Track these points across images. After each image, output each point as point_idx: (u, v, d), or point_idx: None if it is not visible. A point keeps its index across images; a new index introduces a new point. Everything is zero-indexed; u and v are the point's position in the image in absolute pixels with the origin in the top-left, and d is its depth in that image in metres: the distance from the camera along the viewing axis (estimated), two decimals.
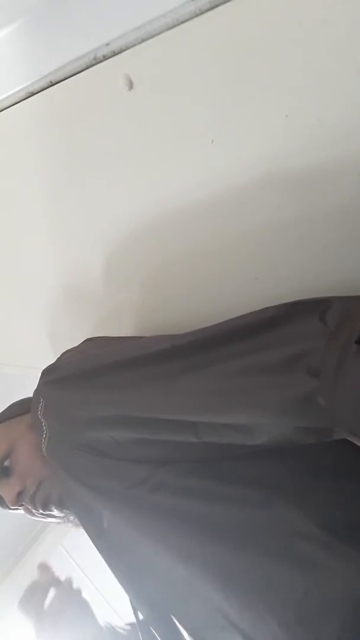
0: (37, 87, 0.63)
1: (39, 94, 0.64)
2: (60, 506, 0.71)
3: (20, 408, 0.78)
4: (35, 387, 0.70)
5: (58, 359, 0.73)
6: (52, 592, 0.84)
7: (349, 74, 0.45)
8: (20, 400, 0.82)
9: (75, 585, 0.92)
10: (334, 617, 0.47)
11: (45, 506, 0.71)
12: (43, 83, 0.62)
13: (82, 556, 2.20)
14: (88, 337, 0.76)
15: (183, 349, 0.57)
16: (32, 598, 0.95)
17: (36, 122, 0.67)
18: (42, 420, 0.66)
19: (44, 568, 0.92)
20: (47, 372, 0.70)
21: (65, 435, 0.64)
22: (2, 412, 0.81)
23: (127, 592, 0.61)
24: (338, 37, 0.44)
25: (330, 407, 0.44)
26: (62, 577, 0.94)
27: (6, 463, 0.72)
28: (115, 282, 0.79)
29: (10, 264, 0.91)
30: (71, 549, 2.16)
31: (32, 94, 0.65)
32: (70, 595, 0.88)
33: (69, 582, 0.92)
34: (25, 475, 0.71)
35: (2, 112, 0.69)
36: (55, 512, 0.71)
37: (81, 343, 0.76)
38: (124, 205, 0.68)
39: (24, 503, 0.72)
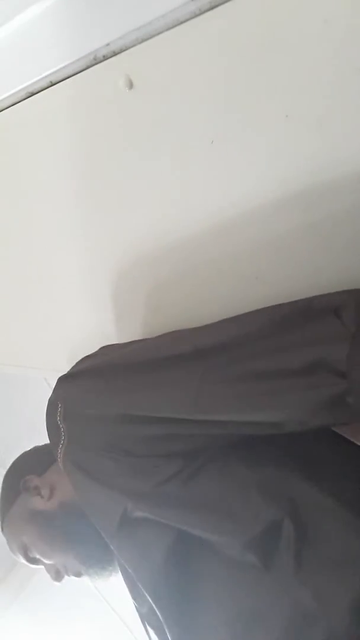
0: (37, 87, 0.63)
1: (39, 94, 0.64)
2: (90, 571, 0.75)
3: (8, 497, 0.80)
4: (50, 394, 0.69)
5: (74, 365, 0.74)
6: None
7: (350, 74, 0.45)
8: (2, 486, 0.83)
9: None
10: None
11: (79, 574, 0.76)
12: (43, 83, 0.62)
13: None
14: (103, 345, 0.76)
15: (205, 352, 0.57)
16: None
17: (36, 122, 0.67)
18: (61, 425, 0.66)
19: None
20: (64, 378, 0.70)
21: (86, 438, 0.64)
22: (3, 500, 0.81)
23: (144, 586, 0.61)
24: (338, 37, 0.44)
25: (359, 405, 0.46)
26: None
27: (30, 555, 0.77)
28: (116, 283, 0.79)
29: (10, 263, 0.91)
30: None
31: (32, 94, 0.65)
32: None
33: None
34: (47, 559, 0.76)
35: (2, 112, 0.69)
36: (93, 574, 0.75)
37: (97, 350, 0.77)
38: (124, 205, 0.68)
39: (67, 574, 0.77)
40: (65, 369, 0.93)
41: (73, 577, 0.77)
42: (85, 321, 0.90)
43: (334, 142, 0.49)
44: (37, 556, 0.76)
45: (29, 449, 0.86)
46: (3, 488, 0.82)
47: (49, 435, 0.68)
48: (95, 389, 0.65)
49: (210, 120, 0.54)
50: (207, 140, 0.56)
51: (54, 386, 0.70)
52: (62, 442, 0.66)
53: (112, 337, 0.87)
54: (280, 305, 0.56)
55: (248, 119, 0.52)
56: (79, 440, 0.64)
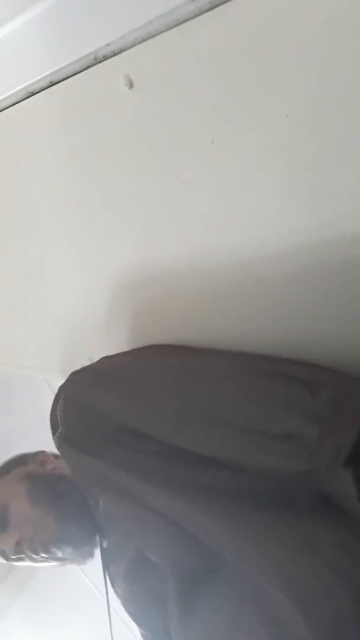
0: (37, 87, 0.63)
1: (39, 94, 0.64)
2: (61, 545, 0.74)
3: (12, 464, 0.84)
4: (59, 387, 0.73)
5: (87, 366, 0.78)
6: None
7: (350, 74, 0.45)
8: (12, 457, 0.87)
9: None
10: None
11: (46, 548, 0.74)
12: (43, 83, 0.62)
13: None
14: (105, 355, 0.80)
15: (194, 381, 0.63)
16: None
17: (36, 122, 0.67)
18: (60, 417, 0.70)
19: None
20: (72, 374, 0.74)
21: (81, 433, 0.68)
22: (4, 465, 0.85)
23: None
24: (338, 37, 0.44)
25: (322, 482, 0.54)
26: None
27: (2, 515, 0.76)
28: (116, 284, 0.79)
29: (10, 264, 0.91)
30: None
31: (32, 94, 0.65)
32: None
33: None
34: (20, 523, 0.75)
35: (2, 112, 0.69)
36: (57, 553, 0.75)
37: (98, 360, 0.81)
38: (124, 205, 0.68)
39: (24, 550, 0.75)
40: (65, 369, 0.93)
41: (30, 561, 0.76)
42: (85, 321, 0.90)
43: (334, 142, 0.49)
44: (9, 516, 0.76)
45: None
46: (10, 459, 0.86)
47: (50, 424, 0.71)
48: (95, 386, 0.68)
49: (210, 120, 0.54)
50: (207, 140, 0.56)
51: (56, 386, 0.73)
52: (59, 430, 0.69)
53: (113, 336, 0.87)
54: (254, 365, 0.63)
55: (248, 119, 0.52)
56: (74, 434, 0.68)
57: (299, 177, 0.53)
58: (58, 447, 0.69)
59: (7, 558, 0.78)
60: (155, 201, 0.65)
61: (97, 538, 0.76)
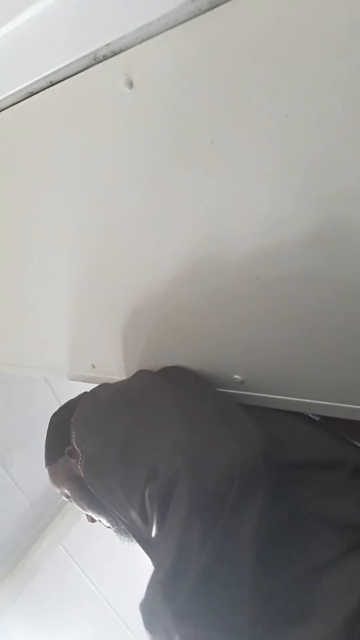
0: (37, 87, 0.63)
1: (39, 94, 0.64)
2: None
3: (58, 446, 0.90)
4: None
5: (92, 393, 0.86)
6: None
7: (350, 74, 0.45)
8: (53, 438, 0.94)
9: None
10: None
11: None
12: (43, 83, 0.62)
13: (82, 556, 2.20)
14: (104, 382, 0.87)
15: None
16: None
17: (36, 122, 0.67)
18: (77, 448, 0.80)
19: None
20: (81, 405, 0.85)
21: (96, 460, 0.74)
22: (48, 453, 0.93)
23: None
24: (338, 37, 0.44)
25: None
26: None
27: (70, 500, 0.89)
28: (116, 284, 0.79)
29: (10, 264, 0.91)
30: (71, 549, 2.17)
31: (32, 94, 0.65)
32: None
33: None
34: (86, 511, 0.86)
35: (2, 112, 0.69)
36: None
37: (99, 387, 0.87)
38: (124, 205, 0.68)
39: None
40: (65, 369, 0.93)
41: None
42: (85, 321, 0.90)
43: (334, 142, 0.49)
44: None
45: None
46: (51, 440, 0.93)
47: (72, 452, 0.85)
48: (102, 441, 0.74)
49: (210, 120, 0.54)
50: (207, 140, 0.56)
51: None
52: (80, 458, 0.79)
53: (112, 337, 0.87)
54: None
55: (248, 119, 0.52)
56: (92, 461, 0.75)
57: (299, 177, 0.53)
58: (84, 475, 0.78)
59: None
60: (155, 201, 0.65)
61: None
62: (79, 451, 0.79)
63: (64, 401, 0.94)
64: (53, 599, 2.10)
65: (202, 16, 0.49)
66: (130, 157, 0.63)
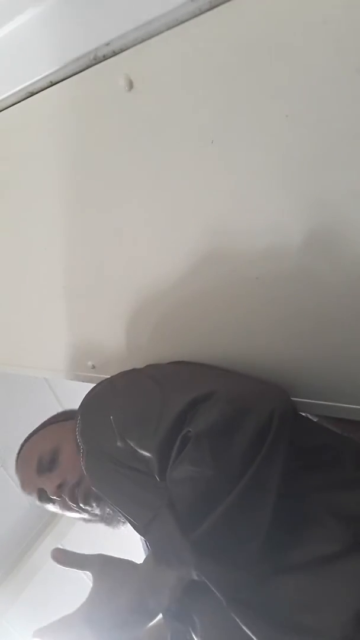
0: (37, 87, 0.63)
1: (39, 94, 0.64)
2: (100, 502, 0.76)
3: (69, 414, 0.86)
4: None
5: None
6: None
7: (350, 74, 0.45)
8: (70, 409, 0.89)
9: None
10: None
11: (87, 499, 0.76)
12: (43, 83, 0.62)
13: None
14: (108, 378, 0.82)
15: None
16: None
17: (36, 122, 0.67)
18: (79, 438, 0.75)
19: None
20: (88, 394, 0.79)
21: (98, 452, 0.71)
22: (53, 416, 0.90)
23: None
24: (338, 37, 0.44)
25: None
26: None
27: (53, 457, 0.80)
28: (116, 284, 0.79)
29: (10, 264, 0.91)
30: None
31: (32, 94, 0.65)
32: None
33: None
34: (67, 470, 0.78)
35: (2, 112, 0.69)
36: (94, 509, 0.77)
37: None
38: (123, 205, 0.68)
39: (63, 495, 0.77)
40: (65, 369, 0.93)
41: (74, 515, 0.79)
42: (85, 321, 0.90)
43: (334, 142, 0.49)
44: (59, 460, 0.79)
45: None
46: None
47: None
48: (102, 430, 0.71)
49: (210, 120, 0.54)
50: (207, 140, 0.56)
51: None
52: (82, 450, 0.74)
53: (112, 337, 0.87)
54: None
55: (248, 119, 0.52)
56: (94, 454, 0.72)
57: (299, 176, 0.53)
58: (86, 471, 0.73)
59: (43, 499, 0.80)
60: (155, 201, 0.65)
61: None
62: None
63: (64, 401, 0.94)
64: (53, 599, 2.10)
65: (202, 16, 0.49)
66: (130, 157, 0.63)
